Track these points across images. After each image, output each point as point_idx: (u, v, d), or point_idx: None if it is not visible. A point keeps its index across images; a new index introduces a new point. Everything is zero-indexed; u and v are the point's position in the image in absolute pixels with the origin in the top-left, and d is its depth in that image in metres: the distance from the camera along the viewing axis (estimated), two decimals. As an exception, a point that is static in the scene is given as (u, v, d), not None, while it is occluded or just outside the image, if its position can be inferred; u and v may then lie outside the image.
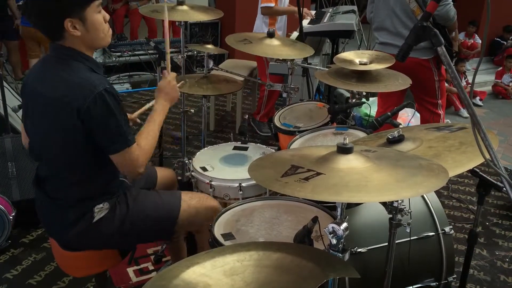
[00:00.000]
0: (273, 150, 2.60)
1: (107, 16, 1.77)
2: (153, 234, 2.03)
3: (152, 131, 1.87)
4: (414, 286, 1.94)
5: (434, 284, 1.98)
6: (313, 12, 4.74)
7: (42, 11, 1.67)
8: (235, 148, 2.63)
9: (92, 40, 1.73)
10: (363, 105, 4.10)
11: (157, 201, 1.97)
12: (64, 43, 1.72)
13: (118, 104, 1.71)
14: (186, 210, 1.97)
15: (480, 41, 7.35)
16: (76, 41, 1.71)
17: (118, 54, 5.81)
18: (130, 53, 5.87)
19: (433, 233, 1.97)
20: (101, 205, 1.82)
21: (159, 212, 1.94)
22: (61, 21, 1.65)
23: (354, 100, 2.65)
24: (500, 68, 6.96)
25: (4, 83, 3.41)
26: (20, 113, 3.50)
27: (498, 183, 1.75)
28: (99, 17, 1.72)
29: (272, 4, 4.16)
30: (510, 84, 6.72)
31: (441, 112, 3.48)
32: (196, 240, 2.12)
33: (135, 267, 2.76)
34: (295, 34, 4.39)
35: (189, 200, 2.00)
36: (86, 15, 1.68)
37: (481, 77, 7.03)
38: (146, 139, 1.83)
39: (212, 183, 2.27)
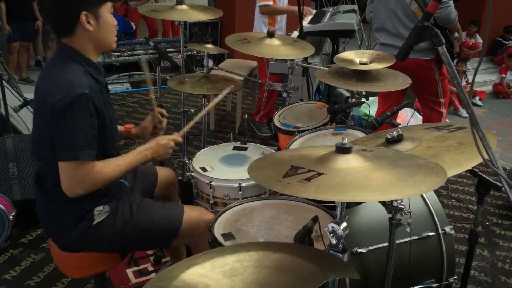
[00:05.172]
0: (273, 150, 2.60)
1: (115, 22, 1.81)
2: (153, 243, 2.05)
3: (120, 166, 1.78)
4: (414, 287, 1.94)
5: (435, 285, 1.97)
6: (313, 11, 4.73)
7: (61, 1, 1.70)
8: (235, 148, 2.62)
9: (102, 39, 1.76)
10: (363, 105, 4.11)
11: (161, 211, 1.97)
12: (71, 42, 1.73)
13: (92, 114, 1.67)
14: (187, 222, 1.96)
15: (481, 41, 7.35)
16: (85, 39, 1.73)
17: (118, 53, 5.81)
18: (129, 52, 5.87)
19: (433, 233, 1.96)
20: (101, 208, 1.82)
21: (162, 222, 1.94)
22: (77, 13, 1.68)
23: (353, 100, 2.65)
24: (504, 65, 6.96)
25: (4, 83, 3.41)
26: (20, 113, 3.51)
27: (497, 183, 1.75)
28: (111, 18, 1.77)
29: (270, 3, 4.11)
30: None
31: (443, 110, 3.48)
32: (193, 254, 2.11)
33: (135, 268, 2.75)
34: (295, 33, 4.38)
35: (191, 212, 2.00)
36: (100, 12, 1.72)
37: (481, 77, 7.03)
38: (109, 167, 1.75)
39: (212, 183, 2.26)
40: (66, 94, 1.63)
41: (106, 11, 1.75)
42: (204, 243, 1.82)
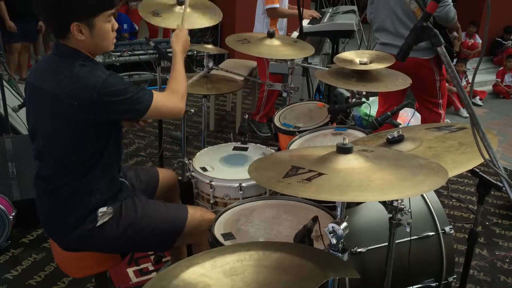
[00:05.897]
0: (273, 151, 2.60)
1: (116, 25, 1.78)
2: (156, 244, 2.04)
3: (178, 75, 1.98)
4: (414, 287, 1.94)
5: (434, 284, 1.97)
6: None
7: (50, 9, 1.67)
8: (235, 148, 2.63)
9: (95, 46, 1.74)
10: (363, 104, 4.10)
11: (165, 213, 1.96)
12: (69, 43, 1.72)
13: (122, 81, 1.74)
14: (190, 223, 1.96)
15: (480, 41, 7.36)
16: (80, 44, 1.71)
17: (118, 54, 5.81)
18: (130, 53, 5.86)
19: (433, 233, 1.97)
20: (104, 209, 1.81)
21: (166, 224, 1.93)
22: (67, 23, 1.66)
23: (354, 100, 2.65)
24: (501, 68, 6.97)
25: (4, 83, 3.41)
26: (19, 113, 3.51)
27: (498, 183, 1.75)
28: (107, 26, 1.73)
29: (277, 5, 4.08)
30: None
31: (441, 111, 3.48)
32: (193, 253, 2.11)
33: (135, 268, 2.76)
34: (295, 34, 4.39)
35: (194, 213, 2.00)
36: (95, 22, 1.69)
37: (481, 77, 7.04)
38: (176, 83, 1.94)
39: (212, 183, 2.27)
40: (96, 85, 1.64)
41: (102, 21, 1.70)
42: (206, 241, 1.83)
